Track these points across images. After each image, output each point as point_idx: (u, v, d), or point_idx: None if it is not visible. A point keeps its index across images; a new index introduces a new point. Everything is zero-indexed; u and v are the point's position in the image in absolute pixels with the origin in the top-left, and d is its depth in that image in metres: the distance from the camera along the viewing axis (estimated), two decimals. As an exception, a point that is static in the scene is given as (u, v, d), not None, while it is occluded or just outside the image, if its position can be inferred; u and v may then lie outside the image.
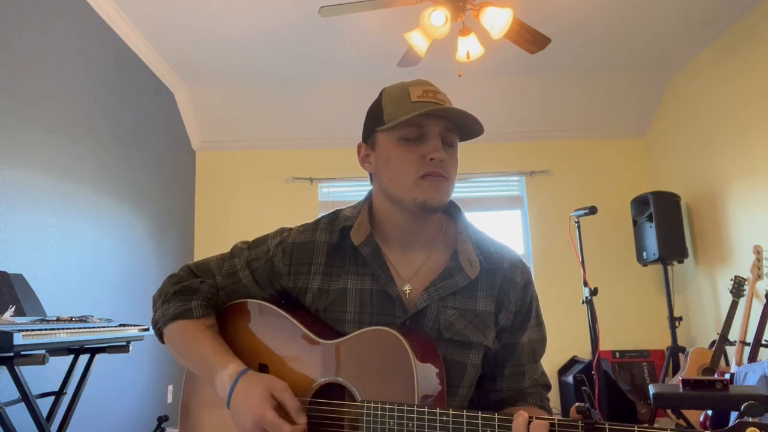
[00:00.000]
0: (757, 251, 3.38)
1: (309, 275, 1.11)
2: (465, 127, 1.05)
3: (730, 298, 3.44)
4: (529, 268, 1.14)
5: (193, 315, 1.10)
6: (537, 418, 0.81)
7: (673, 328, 4.05)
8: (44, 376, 2.50)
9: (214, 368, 1.04)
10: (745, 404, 0.71)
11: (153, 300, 1.18)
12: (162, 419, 3.14)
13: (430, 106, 1.00)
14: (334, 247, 1.11)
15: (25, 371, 1.95)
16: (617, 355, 4.45)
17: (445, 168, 1.02)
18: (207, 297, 1.14)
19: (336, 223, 1.13)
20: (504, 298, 1.09)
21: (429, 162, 1.00)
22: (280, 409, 0.95)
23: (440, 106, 1.01)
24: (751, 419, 0.71)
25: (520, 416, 0.81)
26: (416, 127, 1.01)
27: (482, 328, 1.06)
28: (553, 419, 0.81)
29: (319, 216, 1.19)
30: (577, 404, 0.76)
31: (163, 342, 1.16)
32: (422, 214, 1.05)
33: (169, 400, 4.05)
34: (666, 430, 0.77)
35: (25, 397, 1.89)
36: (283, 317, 1.10)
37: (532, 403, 1.10)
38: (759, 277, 3.36)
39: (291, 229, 1.18)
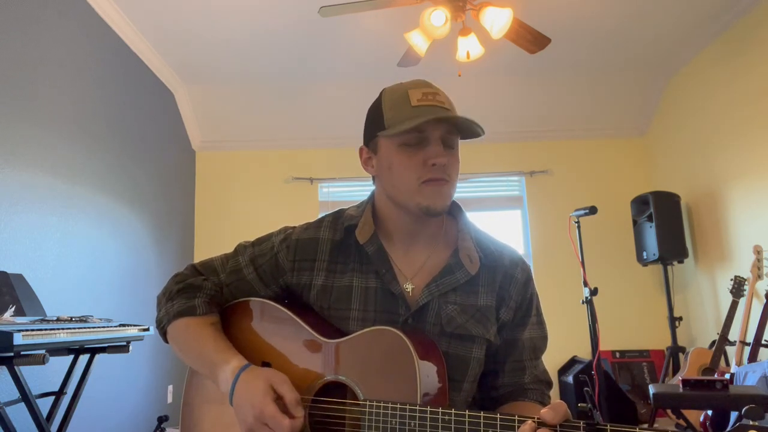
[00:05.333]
0: (757, 251, 3.38)
1: (312, 272, 1.12)
2: (466, 128, 1.06)
3: (730, 298, 3.44)
4: (529, 265, 1.16)
5: (197, 312, 1.11)
6: (539, 419, 0.81)
7: (673, 328, 4.06)
8: (44, 376, 2.50)
9: (217, 364, 1.04)
10: (745, 408, 0.71)
11: (157, 299, 1.19)
12: (162, 419, 3.14)
13: (431, 111, 1.00)
14: (338, 244, 1.12)
15: (25, 371, 1.95)
16: (617, 355, 4.45)
17: (446, 171, 1.03)
18: (210, 294, 1.15)
19: (340, 221, 1.14)
20: (505, 294, 1.10)
21: (431, 167, 1.01)
22: (281, 402, 0.96)
23: (441, 108, 1.02)
24: (751, 422, 0.71)
25: (527, 425, 0.81)
26: (417, 132, 1.02)
27: (484, 322, 1.07)
28: (555, 425, 0.80)
29: (322, 215, 1.19)
30: (579, 404, 0.76)
31: (166, 341, 1.17)
32: (426, 218, 1.06)
33: (169, 400, 4.05)
34: (666, 431, 0.77)
35: (25, 397, 1.89)
36: (286, 316, 1.10)
37: (533, 399, 1.11)
38: (759, 277, 3.36)
39: (295, 227, 1.19)
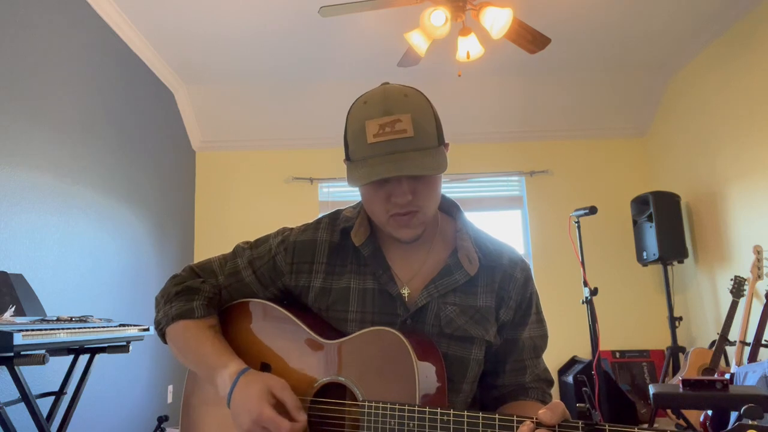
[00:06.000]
0: (757, 251, 3.38)
1: (311, 274, 1.11)
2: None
3: (730, 298, 3.44)
4: (528, 264, 1.15)
5: (195, 315, 1.11)
6: (537, 420, 0.81)
7: (673, 328, 4.06)
8: (44, 376, 2.51)
9: (215, 368, 1.04)
10: (744, 407, 0.71)
11: (156, 301, 1.18)
12: (162, 419, 3.14)
13: (387, 148, 0.94)
14: (336, 246, 1.12)
15: (25, 371, 1.95)
16: (617, 355, 4.45)
17: (414, 203, 0.99)
18: (209, 297, 1.14)
19: (337, 223, 1.14)
20: (504, 294, 1.09)
21: (395, 204, 0.99)
22: (280, 407, 0.95)
23: (399, 141, 0.94)
24: (750, 422, 0.71)
25: (525, 425, 0.81)
26: None
27: (483, 323, 1.07)
28: (554, 425, 0.80)
29: (320, 216, 1.19)
30: (578, 404, 0.76)
31: (165, 342, 1.17)
32: None
33: (169, 400, 4.05)
34: (666, 431, 0.77)
35: (25, 397, 1.89)
36: (285, 317, 1.10)
37: (534, 398, 1.11)
38: (759, 277, 3.36)
39: (292, 228, 1.18)
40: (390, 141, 0.94)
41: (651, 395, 2.47)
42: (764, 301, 3.21)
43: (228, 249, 1.22)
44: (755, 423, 0.70)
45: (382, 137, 0.95)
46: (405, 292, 1.07)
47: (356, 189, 1.06)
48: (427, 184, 1.00)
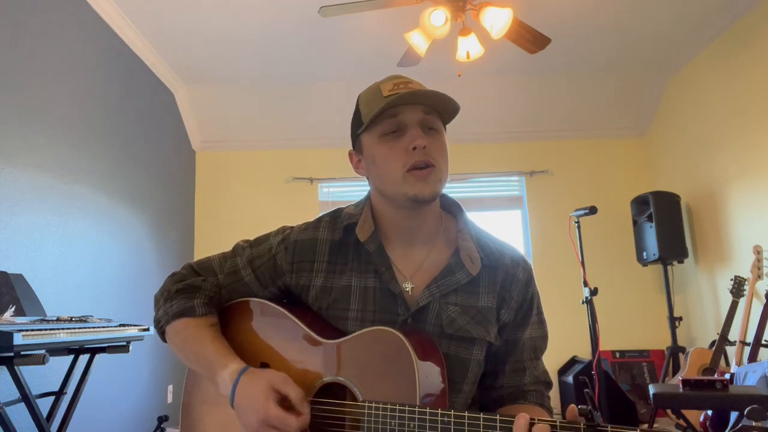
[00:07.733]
0: (757, 251, 3.38)
1: (312, 273, 1.11)
2: (442, 107, 1.05)
3: (730, 298, 3.44)
4: (530, 264, 1.15)
5: (195, 313, 1.11)
6: (539, 420, 0.81)
7: (673, 328, 4.05)
8: (44, 376, 2.50)
9: (215, 367, 1.04)
10: (747, 408, 0.71)
11: (155, 299, 1.18)
12: (162, 419, 3.14)
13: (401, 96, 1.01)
14: (337, 244, 1.12)
15: (25, 371, 1.95)
16: (617, 355, 4.45)
17: (430, 155, 1.01)
18: (209, 295, 1.14)
19: (339, 220, 1.13)
20: (506, 294, 1.09)
21: (412, 153, 1.00)
22: (285, 402, 0.95)
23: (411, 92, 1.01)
24: (753, 423, 0.71)
25: (522, 418, 0.81)
26: (392, 118, 1.02)
27: (484, 324, 1.06)
28: (555, 421, 0.80)
29: (320, 215, 1.19)
30: (579, 406, 0.76)
31: (165, 341, 1.16)
32: (417, 207, 1.05)
33: (169, 400, 4.05)
34: (667, 431, 0.77)
35: (25, 397, 1.89)
36: (285, 316, 1.10)
37: (532, 401, 1.11)
38: (759, 277, 3.36)
39: (293, 227, 1.18)
40: (405, 92, 1.00)
41: (651, 395, 2.47)
42: (764, 301, 3.21)
43: (228, 249, 1.22)
44: (758, 424, 0.70)
45: (396, 90, 1.02)
46: (408, 287, 1.07)
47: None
48: (437, 141, 1.04)
